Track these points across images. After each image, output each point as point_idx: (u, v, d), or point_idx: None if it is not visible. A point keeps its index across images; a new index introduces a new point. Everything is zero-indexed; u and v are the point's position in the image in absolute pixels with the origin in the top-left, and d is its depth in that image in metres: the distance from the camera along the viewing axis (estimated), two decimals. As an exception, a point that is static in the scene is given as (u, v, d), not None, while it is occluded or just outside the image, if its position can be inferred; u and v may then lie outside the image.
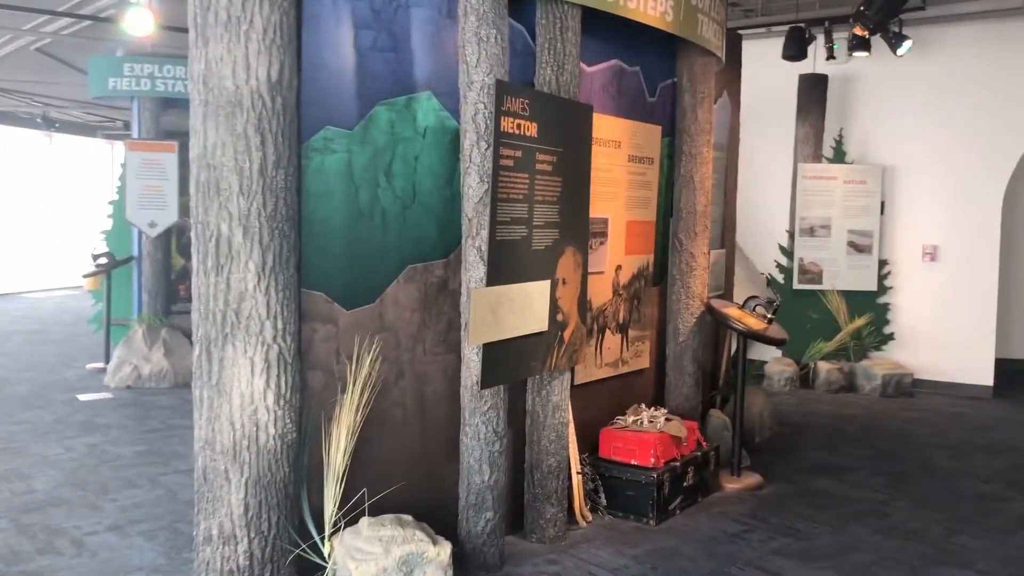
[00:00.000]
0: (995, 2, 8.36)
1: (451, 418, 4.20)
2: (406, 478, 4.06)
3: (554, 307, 4.27)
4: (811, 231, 9.08)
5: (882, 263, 9.06)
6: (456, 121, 4.09)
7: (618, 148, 5.16)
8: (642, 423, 5.12)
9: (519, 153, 3.91)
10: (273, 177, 3.55)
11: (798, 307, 9.00)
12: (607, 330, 5.20)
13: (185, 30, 3.71)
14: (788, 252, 9.23)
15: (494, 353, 3.87)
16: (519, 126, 3.91)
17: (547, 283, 4.18)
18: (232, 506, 3.55)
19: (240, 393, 3.54)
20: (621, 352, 5.36)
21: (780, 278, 9.24)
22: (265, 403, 3.57)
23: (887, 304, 9.07)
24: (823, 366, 8.81)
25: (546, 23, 4.30)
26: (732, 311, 5.60)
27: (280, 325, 3.61)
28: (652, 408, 5.30)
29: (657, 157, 5.56)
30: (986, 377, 8.66)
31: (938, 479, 5.90)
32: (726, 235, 7.01)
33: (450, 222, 4.15)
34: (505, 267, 3.89)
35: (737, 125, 7.14)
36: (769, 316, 5.59)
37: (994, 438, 7.05)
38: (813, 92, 9.10)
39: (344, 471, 3.76)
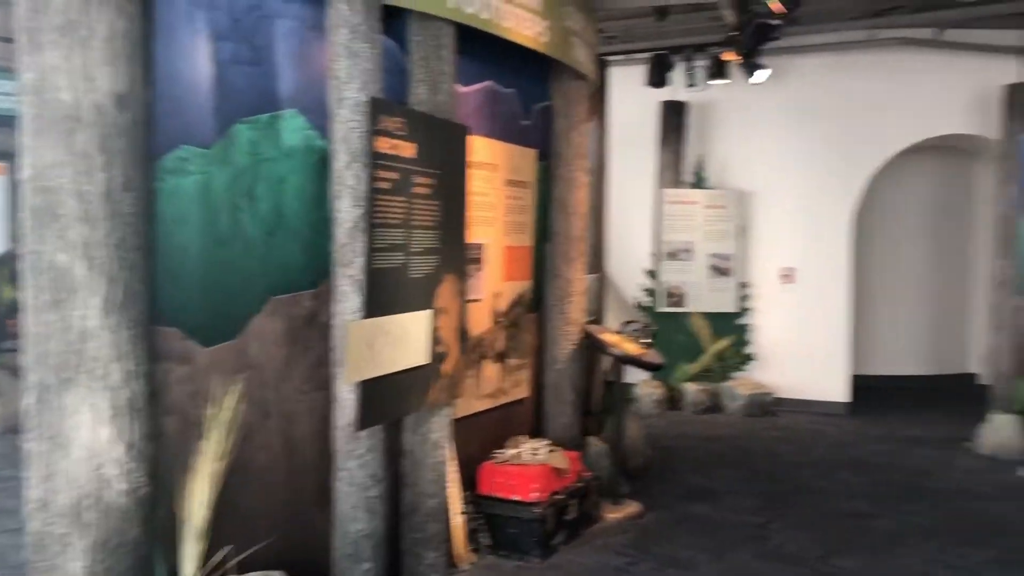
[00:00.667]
0: (840, 35, 8.79)
1: (323, 462, 3.87)
2: (275, 530, 3.70)
3: (434, 338, 4.03)
4: (674, 255, 9.22)
5: (742, 285, 9.30)
6: (325, 140, 3.81)
7: (494, 171, 4.99)
8: (523, 456, 4.93)
9: (396, 175, 3.67)
10: (120, 201, 3.16)
11: (664, 330, 9.07)
12: (486, 360, 5.00)
13: (12, 40, 3.27)
14: (653, 275, 9.34)
15: (371, 390, 3.59)
16: (395, 146, 3.67)
17: (427, 313, 3.94)
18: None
19: (82, 446, 3.11)
20: (500, 382, 5.17)
21: (646, 301, 9.32)
22: (112, 456, 3.16)
23: (747, 325, 9.31)
24: (690, 388, 8.94)
25: (420, 40, 4.09)
26: (610, 337, 5.53)
27: (129, 367, 3.21)
28: (533, 439, 5.13)
29: (533, 181, 5.43)
30: (842, 394, 9.02)
31: (808, 499, 6.00)
32: (597, 260, 6.97)
33: (319, 249, 3.85)
34: (382, 297, 3.63)
35: (604, 150, 7.14)
36: (645, 341, 5.55)
37: (854, 455, 7.29)
38: (673, 119, 9.29)
39: (206, 527, 3.38)
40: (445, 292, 4.12)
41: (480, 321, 4.91)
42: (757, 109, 9.22)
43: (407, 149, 3.74)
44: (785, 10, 4.14)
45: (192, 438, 3.47)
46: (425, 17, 4.07)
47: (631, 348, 5.44)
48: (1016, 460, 6.94)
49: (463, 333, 4.33)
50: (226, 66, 3.59)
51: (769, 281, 9.29)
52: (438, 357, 4.09)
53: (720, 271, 9.25)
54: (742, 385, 8.93)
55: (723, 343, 9.08)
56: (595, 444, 5.95)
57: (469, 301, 4.73)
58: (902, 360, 10.70)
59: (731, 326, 9.23)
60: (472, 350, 4.84)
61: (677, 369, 9.02)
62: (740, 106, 9.28)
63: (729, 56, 6.01)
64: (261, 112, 3.69)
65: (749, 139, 9.31)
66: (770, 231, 9.28)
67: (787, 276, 9.21)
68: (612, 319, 8.33)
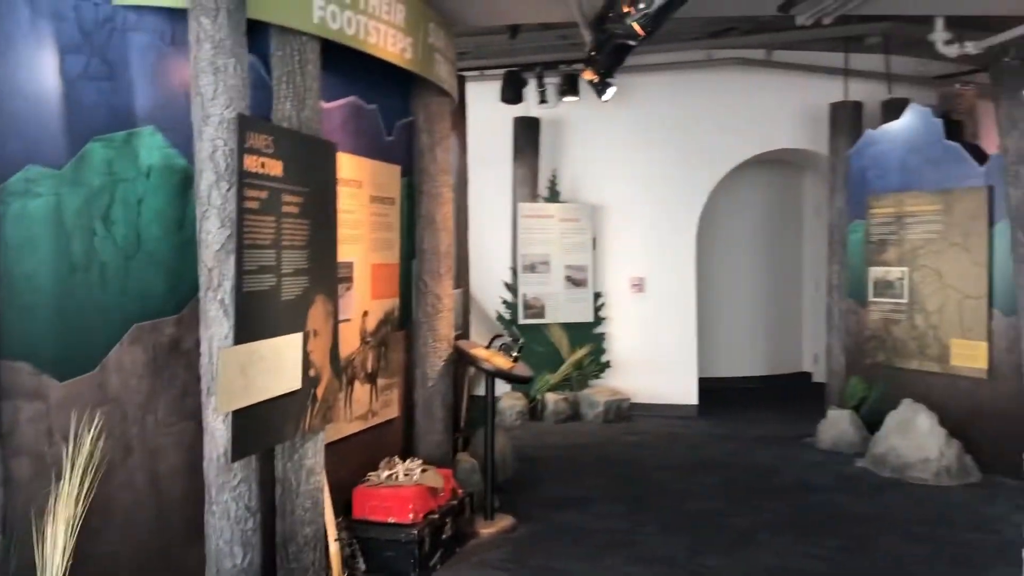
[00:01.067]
0: (680, 55, 9.23)
1: (191, 496, 3.67)
2: (142, 573, 3.48)
3: (306, 362, 3.91)
4: (532, 267, 9.38)
5: (596, 295, 9.57)
6: (185, 159, 3.63)
7: (360, 188, 4.91)
8: (397, 477, 4.86)
9: (264, 194, 3.54)
10: (-39, 226, 2.89)
11: (524, 341, 9.18)
12: (356, 381, 4.90)
13: None
14: (512, 288, 9.46)
15: (245, 419, 3.44)
16: (263, 164, 3.54)
17: (299, 336, 3.83)
18: (-87, 642, 2.80)
19: (-79, 497, 2.82)
20: (371, 403, 5.08)
21: (507, 314, 9.42)
22: (-43, 506, 2.88)
23: (603, 334, 9.57)
24: (550, 397, 9.09)
25: (283, 55, 3.98)
26: (480, 352, 5.54)
27: (-25, 407, 2.93)
28: (407, 460, 5.07)
29: (398, 197, 5.38)
30: (691, 397, 9.42)
31: (670, 501, 6.22)
32: (461, 275, 6.99)
33: (182, 273, 3.66)
34: (254, 321, 3.49)
35: (465, 166, 7.18)
36: (515, 355, 5.60)
37: (707, 455, 7.62)
38: (527, 134, 9.46)
39: (64, 574, 3.13)
40: (317, 313, 4.01)
41: (350, 341, 4.82)
42: (606, 125, 9.52)
43: (275, 167, 3.62)
44: (644, 33, 4.31)
45: (47, 480, 3.21)
46: (289, 32, 3.96)
47: (501, 362, 5.48)
48: (853, 453, 7.46)
49: (335, 355, 4.22)
50: (76, 81, 3.36)
51: (621, 291, 9.60)
52: (312, 381, 3.97)
53: (576, 282, 9.47)
54: (599, 393, 9.17)
55: (581, 352, 9.30)
56: (465, 460, 5.95)
57: (340, 321, 4.63)
58: (743, 362, 11.31)
59: (588, 335, 9.46)
60: (342, 371, 4.73)
61: (538, 379, 9.15)
62: (591, 122, 9.56)
63: (588, 75, 6.18)
64: (117, 130, 3.48)
65: (600, 154, 9.61)
66: (621, 243, 9.60)
67: (638, 286, 9.54)
68: (476, 334, 8.37)
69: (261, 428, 3.57)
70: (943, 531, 5.50)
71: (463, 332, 6.88)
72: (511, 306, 9.43)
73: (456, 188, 6.93)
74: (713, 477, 6.88)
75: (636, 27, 4.21)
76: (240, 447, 3.42)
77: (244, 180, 3.40)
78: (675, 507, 6.06)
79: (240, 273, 3.40)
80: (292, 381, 3.76)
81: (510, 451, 6.95)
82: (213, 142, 3.45)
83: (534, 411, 9.14)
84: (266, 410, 3.58)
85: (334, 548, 4.35)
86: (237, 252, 3.39)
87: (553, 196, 9.54)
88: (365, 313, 5.00)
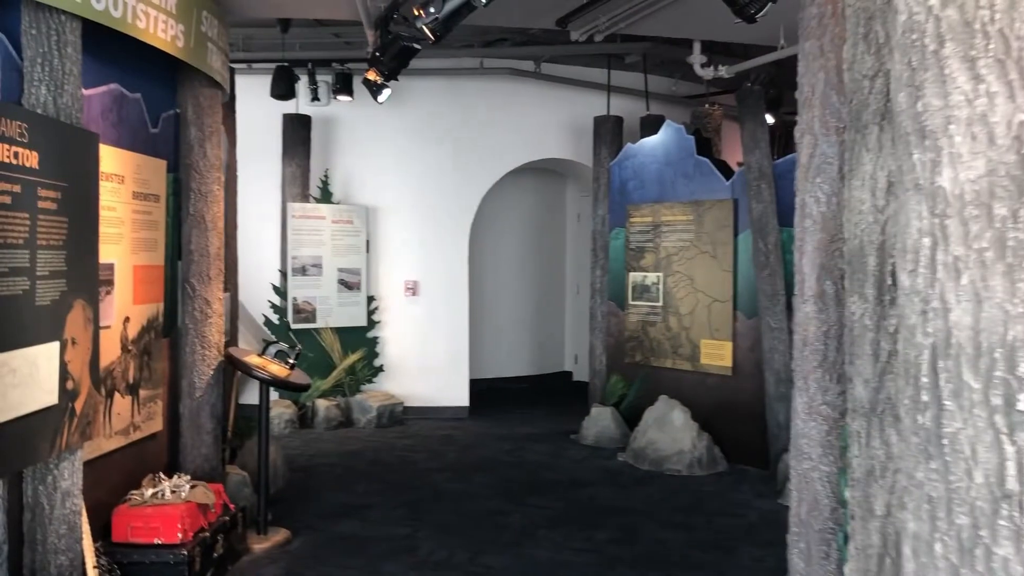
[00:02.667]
0: (454, 61, 9.36)
1: (-79, 530, 3.21)
2: None
3: (63, 373, 3.54)
4: (303, 270, 9.10)
5: (370, 299, 9.46)
6: (-85, 144, 3.17)
7: (122, 183, 4.53)
8: (163, 495, 4.53)
9: (18, 188, 3.17)
10: None
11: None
12: (116, 392, 4.51)
13: None
14: (281, 292, 9.13)
15: (-9, 440, 3.06)
16: (16, 155, 3.17)
17: (55, 345, 3.45)
18: None
19: None
20: (132, 416, 4.69)
21: (275, 318, 9.08)
22: None
23: (376, 338, 9.48)
24: (321, 404, 8.87)
25: (37, 34, 3.58)
26: (253, 359, 5.29)
27: None
28: (174, 476, 4.73)
29: (163, 194, 5.02)
30: (464, 399, 9.56)
31: (448, 503, 6.28)
32: (229, 277, 6.63)
33: (-91, 274, 3.20)
34: (4, 329, 3.11)
35: (234, 162, 6.82)
36: (291, 362, 5.40)
37: (481, 455, 7.77)
38: (298, 132, 9.17)
39: None
40: (75, 320, 3.65)
41: (110, 350, 4.42)
42: (381, 127, 9.45)
43: (30, 158, 3.25)
44: (434, 38, 4.30)
45: None
46: (45, 9, 3.57)
47: (277, 370, 5.26)
48: (615, 447, 7.91)
49: (95, 365, 3.86)
50: None
51: (395, 294, 9.56)
52: (69, 394, 3.60)
53: (349, 286, 9.31)
54: (372, 397, 9.07)
55: (354, 357, 9.15)
56: (235, 473, 5.66)
57: (99, 328, 4.24)
58: (511, 363, 11.64)
59: (361, 339, 9.33)
60: (101, 382, 4.33)
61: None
62: (364, 123, 9.44)
63: (371, 75, 6.07)
64: None
65: (374, 155, 9.51)
66: (395, 245, 9.56)
67: (411, 289, 9.54)
68: (244, 341, 7.99)
69: (9, 449, 3.18)
70: (698, 518, 5.96)
71: (231, 339, 6.53)
72: (280, 310, 9.09)
73: (225, 186, 6.58)
74: (488, 476, 7.02)
75: (426, 31, 4.20)
76: (-15, 472, 3.03)
77: (-8, 171, 3.03)
78: (453, 508, 6.12)
79: (-14, 275, 3.02)
80: (47, 395, 3.39)
81: (282, 461, 6.69)
82: (-47, 126, 3.04)
83: (304, 418, 8.87)
84: (16, 428, 3.20)
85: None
86: (-17, 251, 3.01)
87: (325, 197, 9.32)
88: (126, 319, 4.61)
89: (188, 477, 4.76)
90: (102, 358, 4.32)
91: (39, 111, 3.54)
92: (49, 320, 3.41)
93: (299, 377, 5.37)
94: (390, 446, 8.12)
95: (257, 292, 9.18)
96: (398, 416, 9.10)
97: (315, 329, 9.09)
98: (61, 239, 3.50)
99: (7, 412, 3.10)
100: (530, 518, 5.92)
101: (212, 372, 5.21)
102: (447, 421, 9.28)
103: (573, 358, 12.03)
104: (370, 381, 9.37)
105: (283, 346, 5.43)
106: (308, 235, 9.09)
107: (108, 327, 4.40)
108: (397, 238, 9.56)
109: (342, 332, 9.19)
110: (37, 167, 3.29)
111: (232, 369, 5.51)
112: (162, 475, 4.74)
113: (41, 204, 3.33)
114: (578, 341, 11.76)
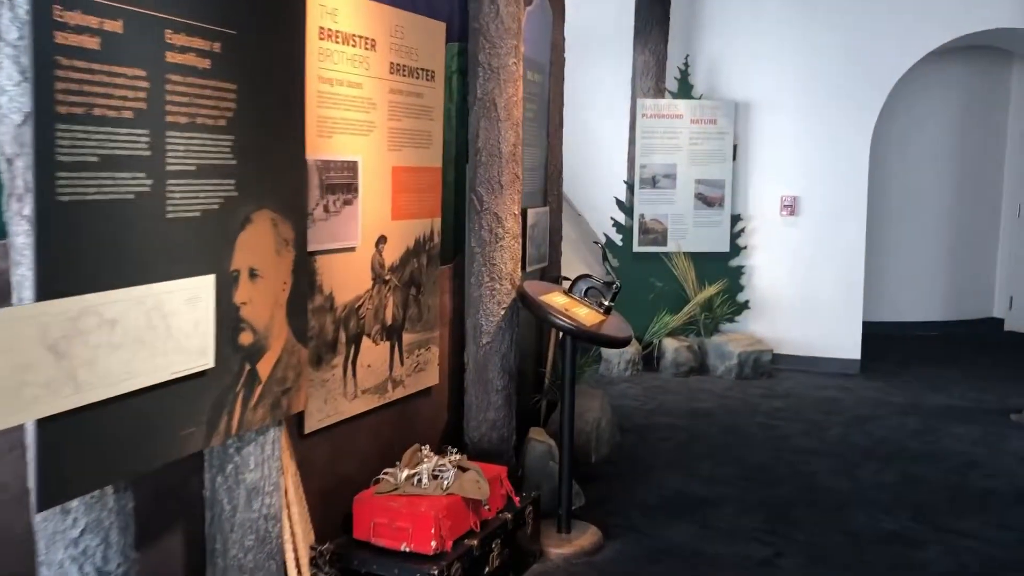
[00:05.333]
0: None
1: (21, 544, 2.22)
2: None
3: (232, 322, 2.35)
4: (653, 181, 7.51)
5: (735, 219, 7.64)
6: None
7: (371, 49, 3.25)
8: (421, 481, 3.30)
9: (116, 24, 1.93)
10: None
11: (640, 274, 7.46)
12: (364, 339, 3.33)
13: None
14: (627, 208, 7.64)
15: (67, 432, 1.91)
16: (109, -31, 1.92)
17: (207, 280, 2.25)
18: None
19: None
20: (392, 369, 3.51)
21: (618, 239, 7.64)
22: None
23: (741, 267, 7.67)
24: (670, 344, 7.33)
25: None
26: (555, 299, 3.84)
27: None
28: (441, 453, 3.50)
29: (441, 71, 3.69)
30: (853, 349, 7.45)
31: (827, 511, 4.44)
32: (550, 187, 5.27)
33: None
34: (97, 256, 1.93)
35: (562, 41, 5.37)
36: (606, 304, 3.88)
37: (877, 435, 5.73)
38: (653, 10, 7.48)
39: None
40: (256, 241, 2.43)
41: (352, 281, 3.23)
42: (757, 1, 7.43)
43: (143, -22, 2.00)
44: None
45: None
46: None
47: (585, 315, 3.77)
48: (1088, 445, 5.42)
49: (297, 307, 2.64)
50: None
51: (768, 213, 7.63)
52: (245, 353, 2.41)
53: (708, 201, 7.56)
54: (733, 341, 7.34)
55: (712, 289, 7.44)
56: (539, 439, 4.34)
57: (332, 251, 3.06)
58: (916, 304, 9.16)
59: (722, 268, 7.59)
60: (338, 327, 3.16)
61: (656, 321, 7.40)
62: (736, -5, 7.49)
63: None
64: None
65: (748, 39, 7.54)
66: (771, 152, 7.58)
67: (789, 207, 7.55)
68: (575, 266, 6.68)
69: (110, 446, 2.03)
70: None
71: (549, 267, 5.19)
72: (624, 230, 7.62)
73: (550, 72, 5.17)
74: (886, 471, 5.03)
75: None
76: (53, 487, 1.90)
77: (58, -8, 1.79)
78: (834, 522, 4.29)
79: (49, 167, 1.82)
80: (192, 357, 2.21)
81: (609, 420, 5.29)
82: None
83: (650, 360, 7.40)
84: (127, 410, 2.04)
85: (302, 602, 2.85)
86: (41, 124, 1.81)
87: (684, 90, 7.58)
88: (381, 239, 3.39)
89: (457, 455, 3.49)
90: (340, 292, 3.15)
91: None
92: (195, 241, 2.20)
93: (615, 327, 3.82)
94: (752, 408, 6.37)
95: (600, 208, 7.82)
96: (765, 367, 7.27)
97: (665, 254, 7.50)
98: (224, 117, 2.26)
99: (102, 387, 1.93)
100: (960, 558, 3.91)
101: (503, 311, 3.87)
102: (830, 378, 7.26)
103: (1007, 301, 9.16)
104: (731, 320, 7.62)
105: (596, 281, 3.91)
106: (661, 138, 7.45)
107: (350, 250, 3.20)
108: (773, 143, 7.55)
109: (698, 258, 7.50)
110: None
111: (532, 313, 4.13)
112: (427, 448, 3.52)
113: (171, 58, 2.08)
114: (1016, 279, 8.90)
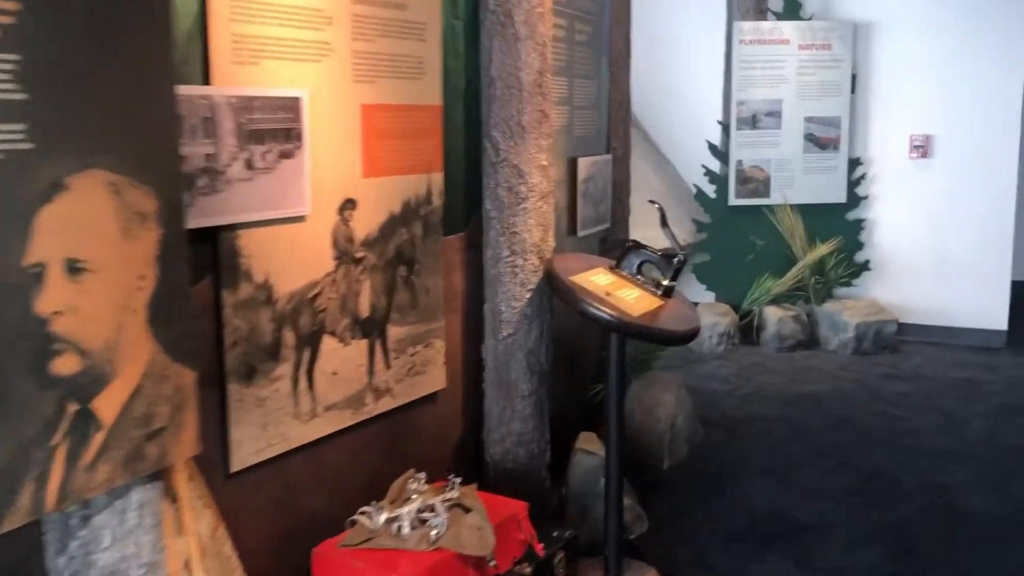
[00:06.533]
0: None
1: None
2: None
3: (36, 343, 1.54)
4: (753, 120, 6.36)
5: (854, 163, 6.42)
6: None
7: (318, -58, 2.34)
8: (401, 528, 2.46)
9: None
10: None
11: (737, 231, 6.39)
12: (326, 338, 2.49)
13: None
14: (721, 153, 6.52)
15: None
16: None
17: (-36, 286, 1.43)
18: None
19: None
20: (372, 375, 2.66)
21: (711, 191, 6.55)
22: None
23: (861, 221, 6.47)
24: (772, 313, 6.24)
25: None
26: (593, 278, 2.88)
27: None
28: (438, 482, 2.65)
29: (435, -26, 2.77)
30: (999, 318, 6.18)
31: (974, 546, 3.38)
32: (614, 130, 4.28)
33: None
34: None
35: (628, -54, 4.34)
36: (665, 284, 2.90)
37: (1033, 431, 4.57)
38: (755, -85, 6.28)
39: None
40: (76, 218, 1.60)
41: (305, 261, 2.38)
42: None
43: None
44: None
45: None
46: None
47: (632, 300, 2.80)
48: None
49: (173, 309, 1.81)
50: None
51: (895, 156, 6.38)
52: (70, 388, 1.60)
53: (821, 143, 6.37)
54: (850, 309, 6.19)
55: (824, 248, 6.29)
56: (588, 447, 3.44)
57: (275, 222, 2.22)
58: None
59: (837, 222, 6.41)
60: (282, 323, 2.33)
61: (756, 286, 6.32)
62: None
63: None
64: None
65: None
66: (898, 83, 6.31)
67: (920, 148, 6.28)
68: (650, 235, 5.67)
69: None
70: None
71: (613, 229, 4.23)
72: (717, 179, 6.52)
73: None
74: (1049, 486, 3.91)
75: None
76: None
77: None
78: (985, 564, 3.24)
79: None
80: (-60, 407, 1.40)
81: (688, 413, 4.34)
82: None
83: (748, 332, 6.34)
84: None
85: None
86: None
87: (791, 10, 6.36)
88: (348, 204, 2.52)
89: (459, 488, 2.62)
90: (286, 278, 2.31)
91: None
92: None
93: (675, 316, 2.82)
94: (872, 392, 5.26)
95: (689, 152, 6.74)
96: (888, 339, 6.10)
97: (767, 206, 6.38)
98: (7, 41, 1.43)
99: None
100: None
101: (529, 294, 2.96)
102: (970, 352, 6.04)
103: None
104: (848, 284, 6.45)
105: (651, 253, 2.94)
106: (762, 69, 6.28)
107: (299, 220, 2.35)
108: (900, 71, 6.28)
109: (808, 211, 6.35)
110: None
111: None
112: (421, 477, 2.67)
113: None
114: None
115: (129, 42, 1.67)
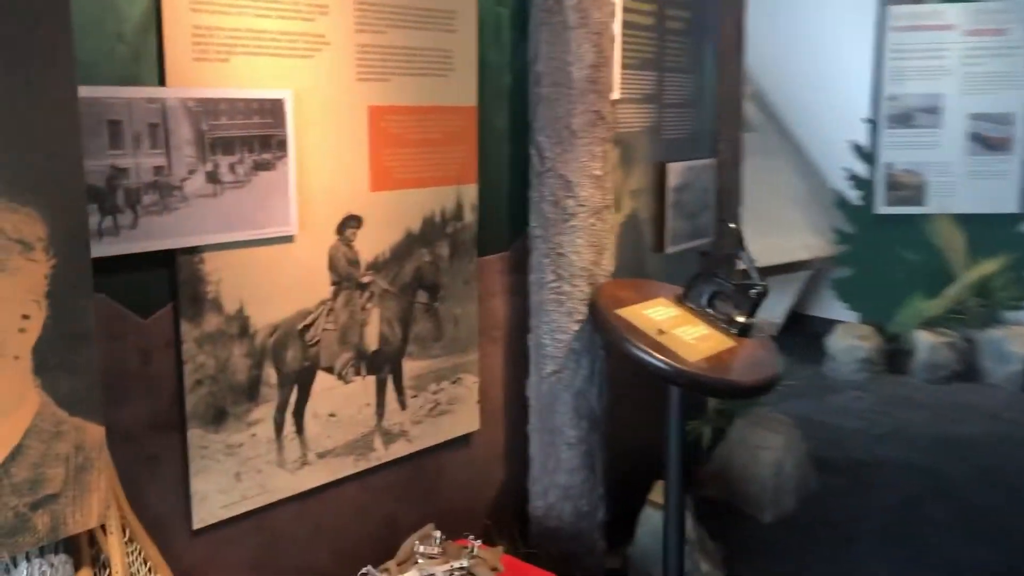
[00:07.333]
0: None
1: None
2: None
3: None
4: (907, 118, 5.57)
5: (1030, 167, 5.52)
6: None
7: (308, -82, 2.02)
8: (397, 603, 2.11)
9: None
10: None
11: (885, 243, 5.64)
12: (320, 374, 2.17)
13: None
14: (867, 155, 5.76)
15: None
16: None
17: None
18: None
19: None
20: (381, 417, 2.33)
21: (855, 197, 5.81)
22: None
23: (1037, 234, 5.57)
24: (924, 338, 5.43)
25: None
26: (650, 311, 2.41)
27: None
28: (455, 540, 2.28)
29: (468, -46, 2.39)
30: None
31: None
32: (722, 130, 3.76)
33: None
34: None
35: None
36: (742, 321, 2.39)
37: None
38: None
39: None
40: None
41: (290, 289, 2.07)
42: None
43: None
44: None
45: None
46: None
47: (693, 340, 2.31)
48: None
49: (69, 353, 1.53)
50: None
51: (1082, 158, 5.43)
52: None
53: (990, 143, 5.50)
54: (1020, 337, 5.30)
55: (991, 265, 5.42)
56: (661, 504, 2.96)
57: (214, 248, 1.92)
58: None
59: (1006, 235, 5.52)
60: (263, 359, 2.03)
61: (906, 307, 5.54)
62: None
63: None
64: None
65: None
66: (1089, 71, 5.36)
67: (1117, 148, 5.31)
68: (795, 234, 5.05)
69: None
70: None
71: (719, 243, 3.70)
72: (863, 184, 5.76)
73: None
74: None
75: None
76: None
77: None
78: None
79: None
80: None
81: (800, 458, 3.76)
82: None
83: (895, 359, 5.55)
84: None
85: None
86: None
87: (956, -8, 5.55)
88: (350, 222, 2.18)
89: (479, 551, 2.24)
90: (268, 305, 2.01)
91: None
92: None
93: (748, 362, 2.30)
94: (1040, 441, 4.44)
95: (829, 156, 6.02)
96: (1066, 374, 5.19)
97: (921, 216, 5.57)
98: None
99: None
100: None
101: (578, 327, 2.53)
102: None
103: None
104: (1017, 307, 5.55)
105: (725, 283, 2.43)
106: (919, 58, 5.48)
107: (286, 239, 2.04)
108: (1094, 57, 5.33)
109: (971, 221, 5.49)
110: None
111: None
112: (435, 534, 2.30)
113: None
114: None
115: (10, 33, 1.40)
